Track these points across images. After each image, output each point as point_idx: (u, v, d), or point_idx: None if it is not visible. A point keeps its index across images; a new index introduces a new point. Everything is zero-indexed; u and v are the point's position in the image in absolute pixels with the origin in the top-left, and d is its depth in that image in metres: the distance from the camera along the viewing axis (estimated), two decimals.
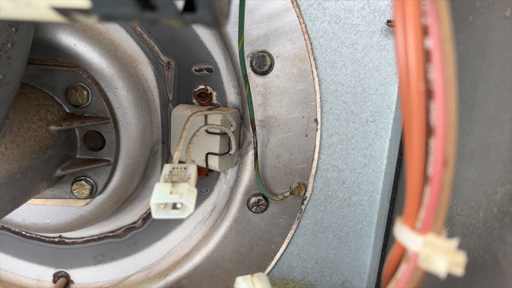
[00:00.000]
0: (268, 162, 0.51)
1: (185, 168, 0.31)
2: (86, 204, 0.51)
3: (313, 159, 0.51)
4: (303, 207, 0.53)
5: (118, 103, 0.47)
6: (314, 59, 0.47)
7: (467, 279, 0.31)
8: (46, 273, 0.61)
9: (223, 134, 0.47)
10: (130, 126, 0.48)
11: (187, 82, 0.51)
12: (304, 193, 0.52)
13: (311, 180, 0.52)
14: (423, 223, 0.19)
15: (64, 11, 0.18)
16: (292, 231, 0.54)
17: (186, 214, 0.29)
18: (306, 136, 0.50)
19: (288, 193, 0.52)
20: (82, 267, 0.61)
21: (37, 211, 0.52)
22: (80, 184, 0.48)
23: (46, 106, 0.44)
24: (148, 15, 0.18)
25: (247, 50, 0.46)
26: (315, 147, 0.50)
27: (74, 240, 0.60)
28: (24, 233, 0.60)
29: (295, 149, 0.50)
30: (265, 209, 0.53)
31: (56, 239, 0.60)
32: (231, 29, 0.46)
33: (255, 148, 0.48)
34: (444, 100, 0.17)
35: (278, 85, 0.48)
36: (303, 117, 0.49)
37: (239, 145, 0.51)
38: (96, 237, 0.60)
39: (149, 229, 0.59)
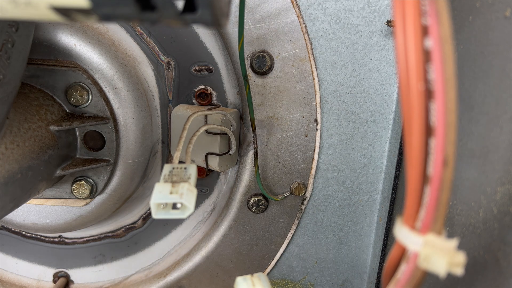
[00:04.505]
0: (268, 162, 0.51)
1: (185, 168, 0.31)
2: (86, 204, 0.51)
3: (313, 159, 0.51)
4: (303, 207, 0.53)
5: (118, 103, 0.47)
6: (314, 59, 0.47)
7: (467, 279, 0.31)
8: (46, 273, 0.61)
9: (223, 134, 0.47)
10: (130, 126, 0.48)
11: (187, 82, 0.51)
12: (304, 193, 0.52)
13: (311, 180, 0.52)
14: (423, 223, 0.19)
15: (64, 11, 0.18)
16: (292, 231, 0.54)
17: (186, 214, 0.29)
18: (306, 136, 0.50)
19: (288, 193, 0.52)
20: (82, 267, 0.61)
21: (37, 211, 0.52)
22: (80, 184, 0.49)
23: (46, 106, 0.44)
24: (148, 15, 0.18)
25: (247, 50, 0.46)
26: (315, 147, 0.50)
27: (74, 240, 0.60)
28: (24, 233, 0.60)
29: (295, 149, 0.50)
30: (265, 209, 0.53)
31: (56, 239, 0.60)
32: (231, 29, 0.46)
33: (255, 148, 0.48)
34: (444, 100, 0.17)
35: (278, 85, 0.48)
36: (303, 117, 0.49)
37: (239, 145, 0.51)
38: (96, 237, 0.60)
39: (149, 229, 0.59)
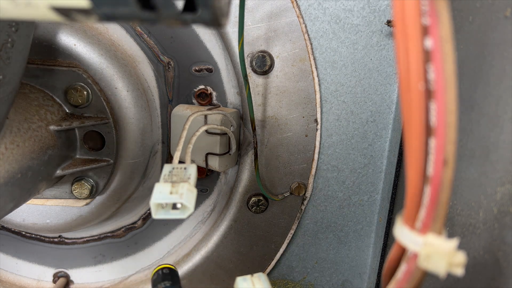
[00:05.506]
0: (268, 162, 0.51)
1: (185, 168, 0.31)
2: (86, 204, 0.51)
3: (313, 159, 0.51)
4: (303, 207, 0.53)
5: (118, 103, 0.47)
6: (314, 59, 0.47)
7: (467, 279, 0.31)
8: (46, 273, 0.61)
9: (223, 134, 0.47)
10: (130, 126, 0.48)
11: (187, 82, 0.51)
12: (304, 193, 0.52)
13: (311, 180, 0.52)
14: (423, 223, 0.19)
15: (64, 11, 0.18)
16: (292, 231, 0.54)
17: (186, 214, 0.29)
18: (306, 136, 0.50)
19: (288, 193, 0.52)
20: (82, 267, 0.61)
21: (37, 211, 0.52)
22: (80, 184, 0.48)
23: (46, 106, 0.44)
24: (148, 15, 0.18)
25: (247, 50, 0.46)
26: (315, 147, 0.50)
27: (74, 240, 0.60)
28: (24, 233, 0.60)
29: (295, 149, 0.50)
30: (265, 209, 0.53)
31: (56, 239, 0.60)
32: (231, 29, 0.46)
33: (255, 148, 0.48)
34: (444, 100, 0.17)
35: (278, 85, 0.48)
36: (303, 117, 0.49)
37: (239, 145, 0.51)
38: (96, 237, 0.60)
39: (149, 229, 0.59)
